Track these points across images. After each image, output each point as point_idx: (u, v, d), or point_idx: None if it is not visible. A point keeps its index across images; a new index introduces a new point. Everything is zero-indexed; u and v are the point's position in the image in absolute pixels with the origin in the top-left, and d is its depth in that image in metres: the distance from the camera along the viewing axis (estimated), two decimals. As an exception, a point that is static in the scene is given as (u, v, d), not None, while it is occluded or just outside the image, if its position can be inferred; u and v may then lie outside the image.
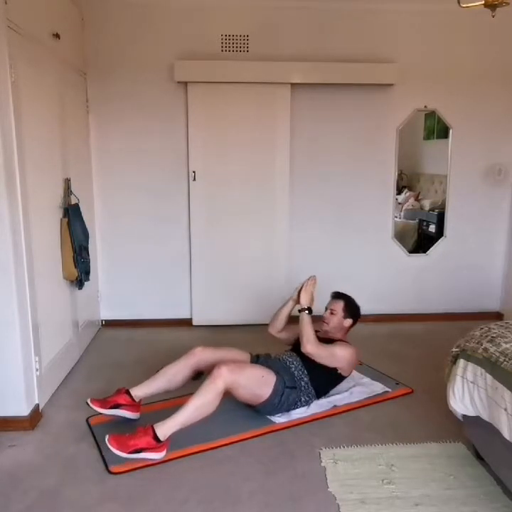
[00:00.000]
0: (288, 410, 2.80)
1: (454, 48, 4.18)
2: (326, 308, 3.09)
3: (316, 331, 2.92)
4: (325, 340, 2.95)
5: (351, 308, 3.05)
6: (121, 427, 2.61)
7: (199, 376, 2.80)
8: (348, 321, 3.05)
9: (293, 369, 2.84)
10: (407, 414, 2.87)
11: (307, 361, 2.85)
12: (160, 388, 2.78)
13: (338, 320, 3.03)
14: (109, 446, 2.32)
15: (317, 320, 2.97)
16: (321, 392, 2.93)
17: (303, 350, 2.82)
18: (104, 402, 2.68)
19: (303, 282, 3.06)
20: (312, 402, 2.89)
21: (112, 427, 2.64)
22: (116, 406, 2.67)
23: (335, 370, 2.90)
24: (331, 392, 3.03)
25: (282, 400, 2.73)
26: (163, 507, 2.12)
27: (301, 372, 2.84)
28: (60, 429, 2.71)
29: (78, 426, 2.71)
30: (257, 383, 2.66)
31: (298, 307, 3.01)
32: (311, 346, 2.80)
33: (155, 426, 2.38)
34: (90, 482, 2.27)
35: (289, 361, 2.88)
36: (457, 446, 2.55)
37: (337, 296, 3.10)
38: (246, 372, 2.64)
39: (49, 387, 3.04)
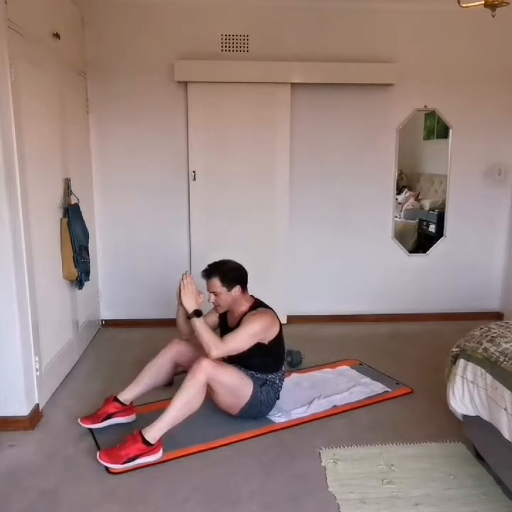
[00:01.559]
0: (277, 398, 2.78)
1: (454, 48, 4.18)
2: (209, 292, 2.74)
3: (225, 316, 2.81)
4: (237, 323, 2.71)
5: (229, 276, 2.70)
6: (121, 427, 2.62)
7: (181, 373, 2.77)
8: (236, 289, 2.71)
9: (244, 370, 2.70)
10: (407, 414, 2.87)
11: (235, 360, 2.69)
12: (147, 386, 2.76)
13: (225, 297, 2.70)
14: (102, 462, 2.30)
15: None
16: (274, 365, 2.77)
17: (211, 358, 2.51)
18: (95, 418, 2.66)
19: (179, 283, 2.66)
20: (282, 375, 2.82)
21: (111, 427, 2.65)
22: (109, 416, 2.66)
23: (260, 345, 2.67)
24: (330, 391, 3.03)
25: (265, 396, 2.68)
26: (163, 507, 2.12)
27: (247, 371, 2.69)
28: (60, 429, 2.71)
29: (78, 426, 2.70)
30: (237, 383, 2.61)
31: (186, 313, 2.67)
32: (216, 351, 2.51)
33: (143, 431, 2.36)
34: (90, 482, 2.27)
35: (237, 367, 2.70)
36: (457, 446, 2.55)
37: (207, 274, 2.71)
38: (226, 370, 2.58)
39: (49, 387, 3.03)
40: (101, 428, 2.64)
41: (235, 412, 2.69)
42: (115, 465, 2.30)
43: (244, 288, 2.78)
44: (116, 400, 2.70)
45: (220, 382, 2.54)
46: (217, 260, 2.78)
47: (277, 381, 2.79)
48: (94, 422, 2.64)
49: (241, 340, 2.61)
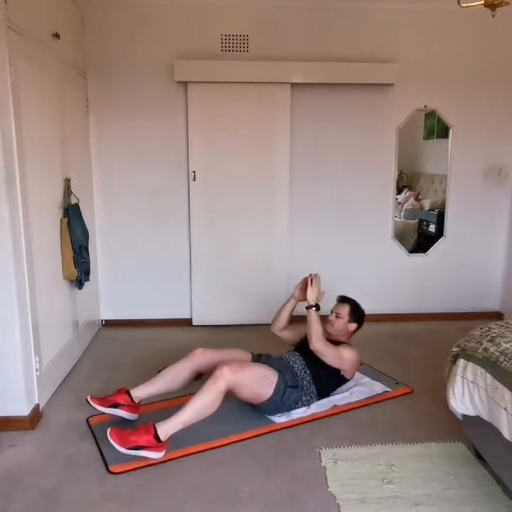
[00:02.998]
0: (288, 410, 2.80)
1: (454, 48, 4.18)
2: (332, 311, 3.09)
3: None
4: (329, 342, 2.94)
5: (357, 313, 3.06)
6: (121, 427, 2.61)
7: (200, 377, 2.80)
8: (353, 326, 3.05)
9: (295, 368, 2.84)
10: (407, 414, 2.87)
11: (310, 361, 2.86)
12: (160, 390, 2.78)
13: (343, 323, 3.03)
14: (110, 440, 2.32)
15: (322, 320, 2.96)
16: (323, 392, 2.93)
17: (311, 347, 2.83)
18: (103, 401, 2.68)
19: (303, 279, 3.08)
20: (313, 402, 2.89)
21: (112, 426, 2.63)
22: (115, 405, 2.67)
23: (338, 371, 2.90)
24: (331, 392, 3.03)
25: (283, 398, 2.73)
26: (163, 507, 2.13)
27: (303, 372, 2.84)
28: (60, 429, 2.71)
29: (78, 426, 2.71)
30: (259, 382, 2.67)
31: (305, 304, 2.99)
32: (319, 344, 2.82)
33: (157, 425, 2.38)
34: (90, 482, 2.27)
35: (292, 360, 2.89)
36: (457, 446, 2.55)
37: (343, 299, 3.11)
38: (248, 372, 2.64)
39: (49, 387, 3.04)
40: (101, 428, 2.63)
41: (256, 403, 2.74)
42: (121, 447, 2.31)
43: (356, 330, 3.09)
44: (127, 393, 2.71)
45: (241, 386, 2.60)
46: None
47: (304, 399, 2.84)
48: (101, 404, 2.66)
49: (336, 354, 2.87)
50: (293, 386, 2.77)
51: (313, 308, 2.93)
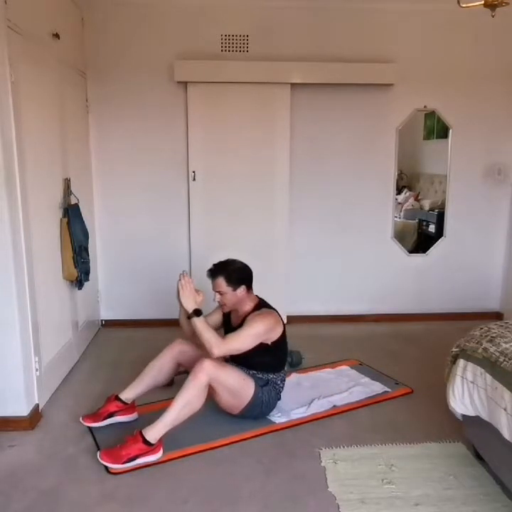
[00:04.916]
0: (274, 405, 2.77)
1: (454, 48, 4.18)
2: (214, 291, 2.74)
3: (228, 315, 2.80)
4: (241, 322, 2.71)
5: (234, 276, 2.69)
6: (121, 427, 2.62)
7: (184, 372, 2.77)
8: (241, 289, 2.70)
9: (245, 370, 2.70)
10: (407, 414, 2.87)
11: (238, 359, 2.69)
12: (148, 386, 2.77)
13: (230, 296, 2.69)
14: (103, 462, 2.30)
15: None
16: (277, 366, 2.79)
17: (213, 357, 2.53)
18: (96, 416, 2.67)
19: (177, 284, 2.64)
20: (284, 376, 2.82)
21: (111, 426, 2.65)
22: (110, 415, 2.67)
23: (265, 345, 2.67)
24: (330, 392, 3.03)
25: (266, 396, 2.68)
26: (163, 507, 2.12)
27: (249, 371, 2.69)
28: (60, 429, 2.71)
29: (78, 426, 2.70)
30: (239, 383, 2.60)
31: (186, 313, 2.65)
32: (218, 350, 2.52)
33: (143, 431, 2.36)
34: (90, 482, 2.27)
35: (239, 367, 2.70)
36: (457, 446, 2.55)
37: (213, 273, 2.70)
38: (228, 370, 2.58)
39: (49, 387, 3.03)
40: (101, 427, 2.64)
41: (236, 411, 2.69)
42: (116, 465, 2.30)
43: (249, 288, 2.77)
44: (117, 398, 2.70)
45: (221, 383, 2.54)
46: (222, 260, 2.76)
47: (279, 382, 2.79)
48: (95, 421, 2.65)
49: (244, 340, 2.60)
50: (264, 384, 2.70)
51: (195, 316, 2.57)
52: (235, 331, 2.67)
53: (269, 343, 2.69)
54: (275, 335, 2.70)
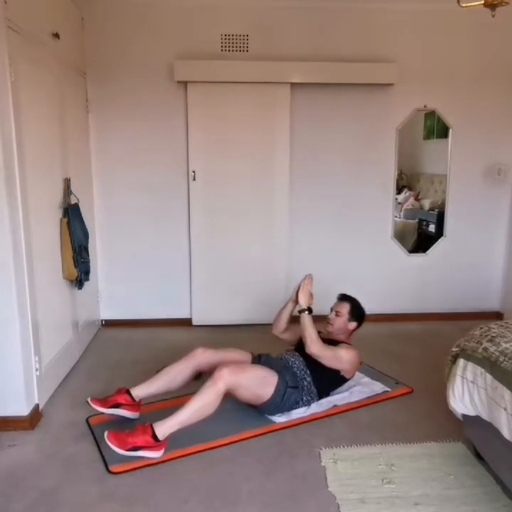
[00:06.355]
0: (289, 410, 2.80)
1: (454, 48, 4.18)
2: (332, 310, 3.08)
3: (319, 332, 2.92)
4: (328, 341, 2.94)
5: (357, 311, 3.04)
6: (121, 427, 2.61)
7: (200, 377, 2.80)
8: (353, 324, 3.04)
9: (295, 369, 2.84)
10: (407, 414, 2.87)
11: (310, 361, 2.85)
12: (160, 389, 2.78)
13: (343, 322, 3.02)
14: (108, 442, 2.33)
15: (318, 320, 2.97)
16: (323, 392, 2.93)
17: (307, 351, 2.81)
18: (104, 402, 2.68)
19: (300, 282, 3.04)
20: (313, 401, 2.89)
21: (111, 426, 2.63)
22: (117, 405, 2.68)
23: (338, 371, 2.90)
24: (332, 392, 3.03)
25: (284, 399, 2.73)
26: (163, 507, 2.13)
27: (303, 372, 2.84)
28: (60, 429, 2.71)
29: (78, 426, 2.71)
30: (259, 384, 2.66)
31: (298, 308, 2.99)
32: (315, 347, 2.80)
33: (154, 425, 2.38)
34: (90, 482, 2.27)
35: (292, 361, 2.88)
36: (457, 446, 2.55)
37: (343, 298, 3.09)
38: (247, 373, 2.64)
39: (49, 387, 3.04)
40: (101, 428, 2.63)
41: (256, 404, 2.74)
42: (120, 449, 2.32)
43: (356, 329, 3.08)
44: (128, 392, 2.72)
45: (241, 387, 2.60)
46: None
47: (305, 398, 2.83)
48: (102, 406, 2.66)
49: (333, 354, 2.86)
50: (293, 387, 2.77)
51: (306, 312, 2.90)
52: (333, 345, 2.92)
53: (341, 373, 2.92)
54: (350, 372, 2.97)
